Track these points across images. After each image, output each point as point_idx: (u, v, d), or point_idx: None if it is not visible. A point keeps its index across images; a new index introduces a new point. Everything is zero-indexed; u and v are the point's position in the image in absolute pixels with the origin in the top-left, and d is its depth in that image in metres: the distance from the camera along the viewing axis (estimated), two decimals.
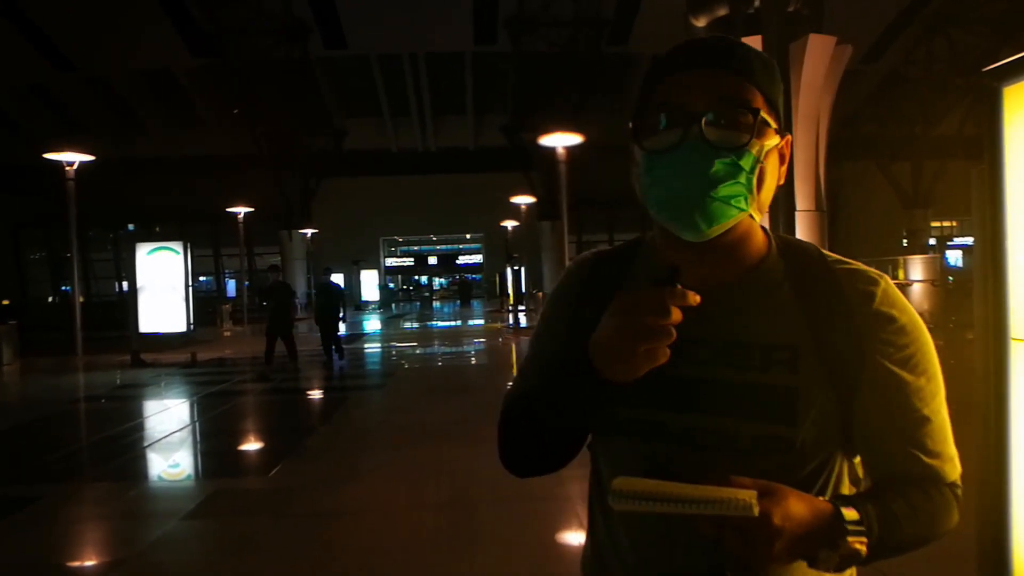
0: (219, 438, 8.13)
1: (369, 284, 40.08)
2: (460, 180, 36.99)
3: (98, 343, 16.72)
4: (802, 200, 13.21)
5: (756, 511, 0.80)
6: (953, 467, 1.00)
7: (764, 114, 0.94)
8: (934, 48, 28.72)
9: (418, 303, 43.63)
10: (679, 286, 0.85)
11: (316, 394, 11.23)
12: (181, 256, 16.49)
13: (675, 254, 0.96)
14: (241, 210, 28.30)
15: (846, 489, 1.02)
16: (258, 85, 29.32)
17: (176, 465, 6.84)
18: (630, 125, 0.99)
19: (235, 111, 29.77)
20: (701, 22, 14.23)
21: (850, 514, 0.88)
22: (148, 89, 33.56)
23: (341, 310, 13.58)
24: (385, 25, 28.63)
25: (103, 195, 26.44)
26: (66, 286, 37.41)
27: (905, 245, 33.84)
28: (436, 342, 18.96)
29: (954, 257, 30.84)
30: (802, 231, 10.70)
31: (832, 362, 0.95)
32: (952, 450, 1.00)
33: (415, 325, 26.03)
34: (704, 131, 0.91)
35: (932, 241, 35.70)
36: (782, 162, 1.00)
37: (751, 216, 0.97)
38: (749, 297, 0.99)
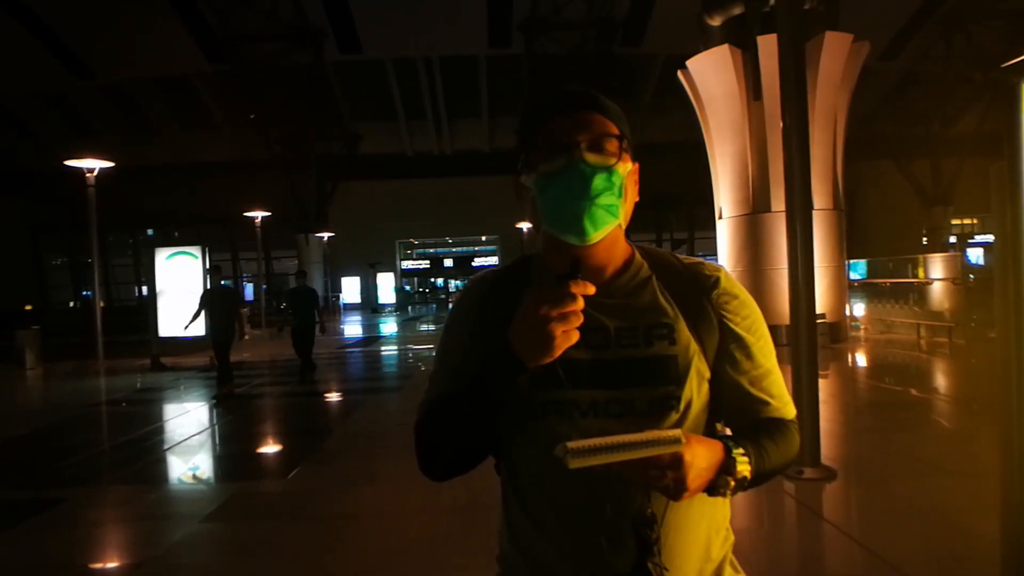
0: (238, 441, 8.19)
1: (385, 287, 40.24)
2: (475, 183, 37.06)
3: (118, 347, 16.90)
4: (819, 199, 13.13)
5: (684, 441, 0.99)
6: (791, 408, 1.28)
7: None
8: (952, 45, 28.48)
9: (434, 305, 43.73)
10: (579, 277, 1.05)
11: (333, 397, 11.28)
12: (199, 260, 16.59)
13: (564, 260, 1.11)
14: (258, 214, 28.47)
15: None
16: (273, 90, 29.53)
17: (196, 468, 6.90)
18: (519, 164, 1.23)
19: (250, 116, 29.97)
20: (716, 21, 14.15)
21: (736, 448, 1.11)
22: (164, 95, 33.88)
23: (317, 317, 11.98)
24: (399, 29, 28.76)
25: (120, 200, 26.70)
26: (87, 291, 37.83)
27: (925, 243, 33.50)
28: None
29: (975, 255, 30.50)
30: (820, 230, 10.60)
31: (697, 331, 1.21)
32: (788, 395, 1.29)
33: (432, 328, 26.10)
34: (584, 155, 1.15)
35: (952, 239, 35.30)
36: (635, 184, 1.25)
37: (619, 226, 1.21)
38: (627, 291, 1.24)
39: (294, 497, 5.62)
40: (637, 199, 1.26)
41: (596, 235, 1.16)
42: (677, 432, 0.99)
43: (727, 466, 1.08)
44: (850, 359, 12.47)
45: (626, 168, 1.19)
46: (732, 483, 1.09)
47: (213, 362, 14.36)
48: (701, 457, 1.04)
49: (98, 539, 4.98)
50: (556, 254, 1.21)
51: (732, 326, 1.23)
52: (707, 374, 1.21)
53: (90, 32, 27.10)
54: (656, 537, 1.10)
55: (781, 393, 1.27)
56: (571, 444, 0.96)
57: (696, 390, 1.18)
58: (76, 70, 29.72)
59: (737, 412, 1.25)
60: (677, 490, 1.03)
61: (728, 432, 1.25)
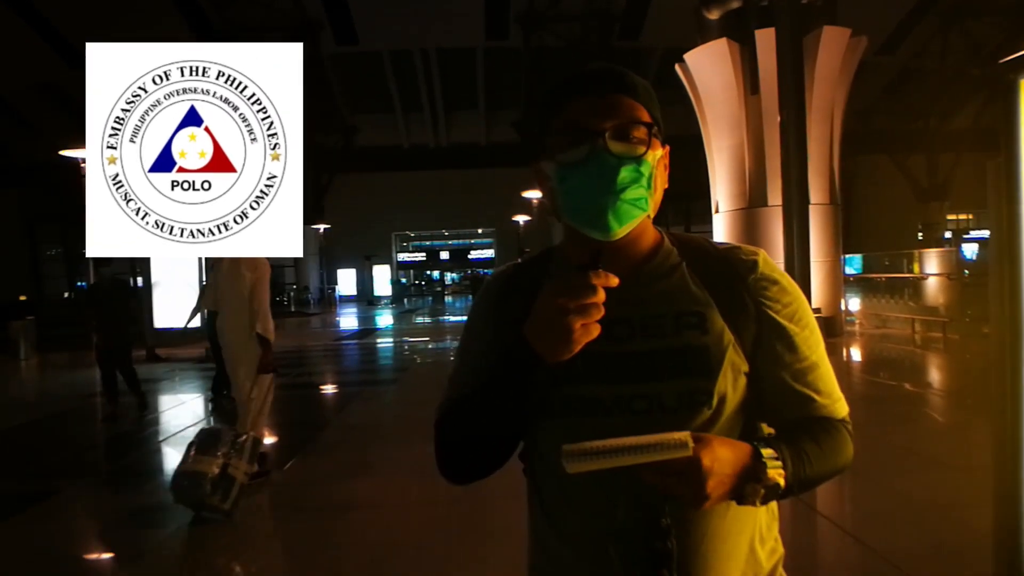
0: None
1: (381, 279, 40.22)
2: (472, 175, 37.02)
3: None
4: (816, 193, 13.14)
5: (691, 446, 0.91)
6: (842, 405, 1.16)
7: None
8: (950, 40, 28.45)
9: (430, 298, 43.73)
10: (601, 267, 0.97)
11: (328, 389, 11.29)
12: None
13: (586, 252, 1.03)
14: None
15: None
16: None
17: None
18: (537, 148, 1.13)
19: None
20: (714, 15, 14.13)
21: (767, 451, 1.00)
22: None
23: (129, 325, 8.90)
24: (396, 21, 28.64)
25: None
26: (82, 282, 37.75)
27: (920, 239, 33.58)
28: (448, 337, 19.00)
29: (970, 250, 30.58)
30: (816, 224, 10.61)
31: (733, 321, 1.10)
32: (839, 391, 1.17)
33: (427, 320, 26.11)
34: (608, 144, 1.05)
35: (948, 234, 35.38)
36: (665, 169, 1.16)
37: (648, 216, 1.11)
38: (653, 278, 1.14)
39: (290, 488, 5.63)
40: (667, 185, 1.16)
41: (621, 231, 1.07)
42: (684, 435, 0.91)
43: (755, 472, 0.98)
44: (845, 353, 12.51)
45: (655, 156, 1.09)
46: (761, 491, 0.99)
47: (208, 353, 14.35)
48: (724, 462, 0.95)
49: (93, 530, 4.99)
50: (577, 245, 1.13)
51: (771, 314, 1.12)
52: (744, 368, 1.10)
53: (86, 22, 26.96)
54: (670, 549, 1.01)
55: (829, 389, 1.15)
56: (568, 447, 0.91)
57: (731, 385, 1.08)
58: (72, 61, 29.58)
59: (780, 410, 1.14)
60: (695, 498, 0.95)
61: (771, 433, 1.16)
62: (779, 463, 1.00)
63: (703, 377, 1.07)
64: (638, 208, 1.08)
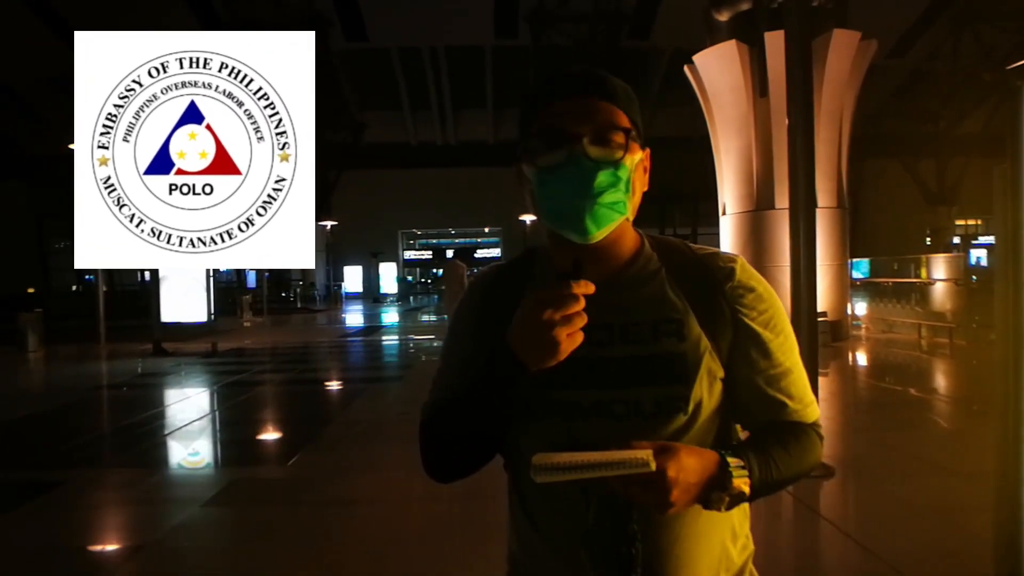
0: (238, 427, 8.21)
1: (388, 277, 40.26)
2: (479, 174, 37.04)
3: (120, 332, 16.93)
4: (823, 196, 13.11)
5: (653, 466, 0.94)
6: (814, 410, 1.19)
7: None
8: (961, 44, 28.35)
9: (436, 296, 43.76)
10: (583, 277, 1.00)
11: (333, 385, 11.32)
12: None
13: (567, 256, 1.07)
14: None
15: None
16: None
17: (196, 453, 6.93)
18: (518, 151, 1.15)
19: None
20: (724, 16, 14.10)
21: (734, 460, 1.03)
22: None
23: None
24: (406, 18, 28.70)
25: None
26: (89, 275, 37.88)
27: (928, 243, 33.45)
28: None
29: (978, 256, 30.47)
30: (823, 228, 10.56)
31: (709, 327, 1.12)
32: (810, 396, 1.19)
33: (433, 318, 26.13)
34: (586, 149, 1.06)
35: (956, 240, 35.22)
36: (645, 172, 1.16)
37: (627, 219, 1.13)
38: (633, 284, 1.15)
39: (294, 484, 5.65)
40: (647, 188, 1.17)
41: (599, 234, 1.09)
42: (646, 454, 0.95)
43: (721, 481, 1.01)
44: (850, 358, 12.48)
45: (634, 160, 1.10)
46: (726, 499, 1.02)
47: (215, 348, 14.42)
48: (689, 472, 0.98)
49: (98, 521, 5.02)
50: (560, 247, 1.15)
51: (747, 321, 1.14)
52: (720, 373, 1.13)
53: (96, 16, 27.06)
54: (633, 555, 1.04)
55: (801, 394, 1.17)
56: (536, 459, 0.95)
57: (707, 390, 1.11)
58: None
59: (753, 414, 1.17)
60: (660, 506, 0.98)
61: (741, 440, 1.18)
62: (745, 472, 1.03)
63: (680, 383, 1.09)
64: (616, 212, 1.09)
